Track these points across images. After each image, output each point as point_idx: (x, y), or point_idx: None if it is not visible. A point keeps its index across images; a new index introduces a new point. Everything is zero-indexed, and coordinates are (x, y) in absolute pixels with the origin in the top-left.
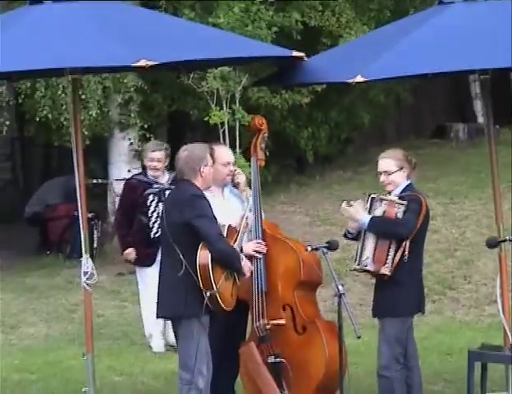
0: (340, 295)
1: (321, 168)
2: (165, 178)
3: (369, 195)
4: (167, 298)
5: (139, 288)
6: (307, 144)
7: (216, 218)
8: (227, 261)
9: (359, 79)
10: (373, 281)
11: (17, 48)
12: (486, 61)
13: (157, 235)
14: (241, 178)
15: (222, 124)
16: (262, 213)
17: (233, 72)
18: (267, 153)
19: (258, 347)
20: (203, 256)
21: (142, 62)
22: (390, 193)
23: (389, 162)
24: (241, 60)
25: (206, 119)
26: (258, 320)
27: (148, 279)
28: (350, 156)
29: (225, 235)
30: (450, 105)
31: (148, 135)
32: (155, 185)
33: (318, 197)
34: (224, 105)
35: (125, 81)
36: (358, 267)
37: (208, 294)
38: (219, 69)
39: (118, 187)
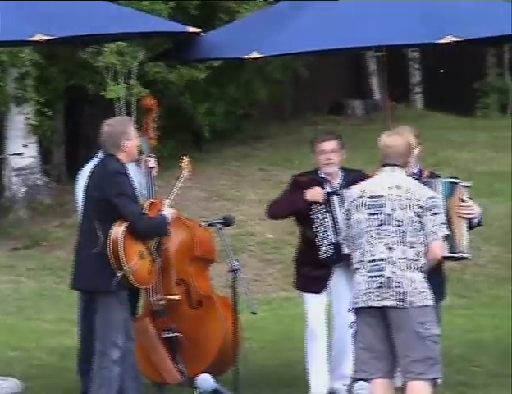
0: (234, 271)
1: (218, 144)
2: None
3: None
4: (84, 271)
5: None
6: (204, 120)
7: (136, 195)
8: (155, 234)
9: (255, 55)
10: (269, 257)
11: None
12: (380, 39)
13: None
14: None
15: (119, 99)
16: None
17: (130, 47)
18: (163, 129)
19: (153, 322)
20: (115, 234)
21: (38, 37)
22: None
23: None
24: (137, 35)
25: (102, 94)
26: (153, 295)
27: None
28: (247, 132)
29: (147, 210)
30: (348, 81)
31: (44, 110)
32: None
33: (215, 172)
34: (121, 80)
35: (22, 55)
36: (458, 255)
37: (120, 274)
38: (116, 44)
39: (14, 162)
